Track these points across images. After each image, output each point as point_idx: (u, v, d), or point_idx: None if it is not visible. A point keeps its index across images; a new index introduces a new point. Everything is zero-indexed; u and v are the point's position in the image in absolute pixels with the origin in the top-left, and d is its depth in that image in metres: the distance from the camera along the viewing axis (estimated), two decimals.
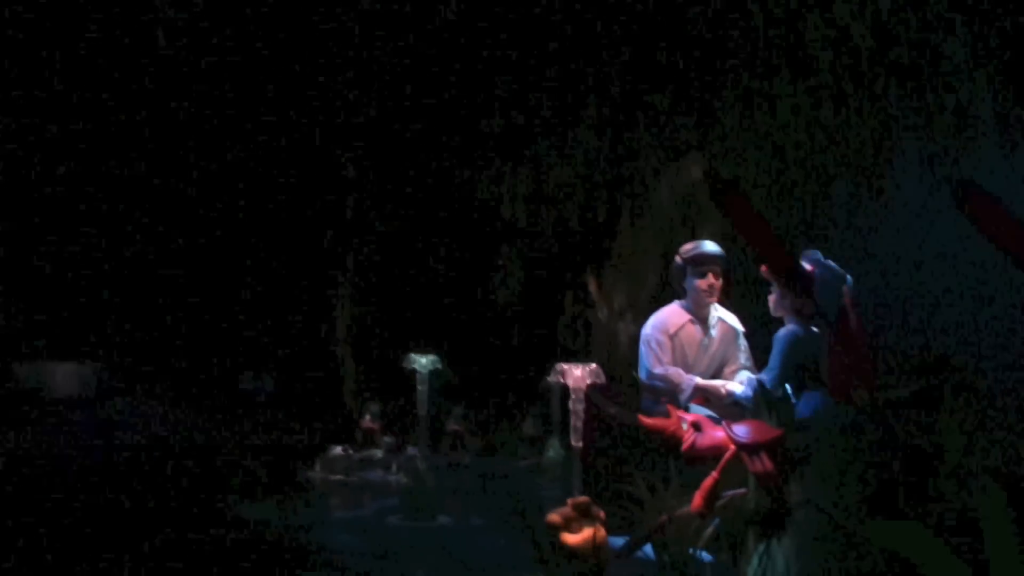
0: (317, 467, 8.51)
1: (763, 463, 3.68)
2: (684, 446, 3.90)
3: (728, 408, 6.63)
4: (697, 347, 6.86)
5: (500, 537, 6.54)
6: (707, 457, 3.94)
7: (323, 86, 10.34)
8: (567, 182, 9.35)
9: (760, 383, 6.26)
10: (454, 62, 9.80)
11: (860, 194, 8.31)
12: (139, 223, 11.57)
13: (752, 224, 4.15)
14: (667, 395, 6.74)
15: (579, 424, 5.50)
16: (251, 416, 10.20)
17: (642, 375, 6.87)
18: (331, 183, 10.50)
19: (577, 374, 5.53)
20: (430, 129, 10.13)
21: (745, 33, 7.96)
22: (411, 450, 8.26)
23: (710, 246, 6.78)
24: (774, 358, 6.21)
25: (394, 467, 8.37)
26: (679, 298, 6.97)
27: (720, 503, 3.99)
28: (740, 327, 6.89)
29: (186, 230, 11.18)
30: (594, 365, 5.58)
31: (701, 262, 6.76)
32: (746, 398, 6.37)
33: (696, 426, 3.88)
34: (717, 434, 3.87)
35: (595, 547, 5.18)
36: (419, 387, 7.04)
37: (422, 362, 7.07)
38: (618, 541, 5.51)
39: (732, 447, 3.79)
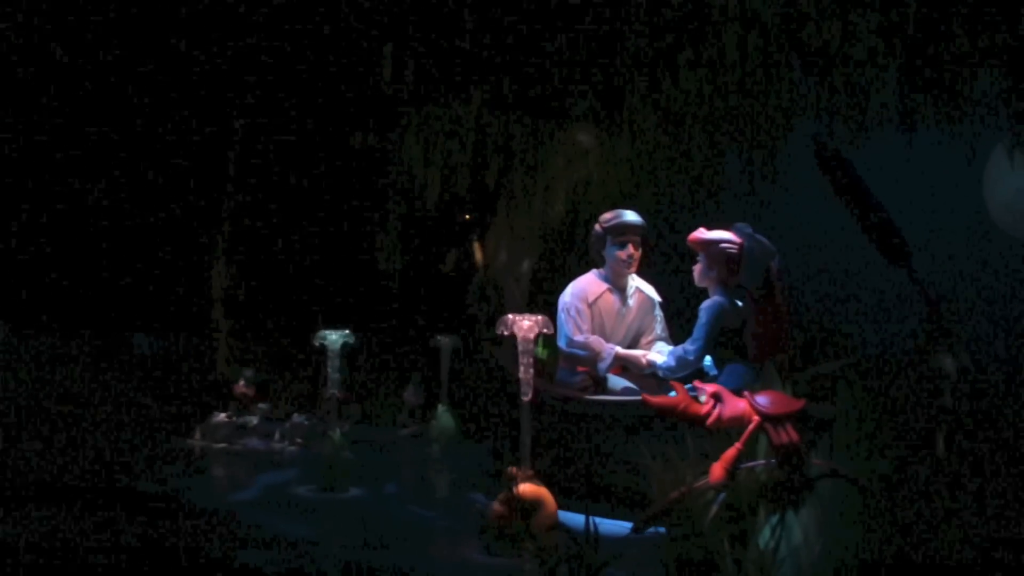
0: (197, 434, 8.02)
1: (788, 434, 3.68)
2: (710, 419, 3.85)
3: (645, 378, 6.69)
4: (615, 316, 6.86)
5: (422, 508, 6.35)
6: (727, 428, 3.90)
7: (198, 43, 9.68)
8: (458, 148, 9.13)
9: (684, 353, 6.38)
10: (344, 18, 9.38)
11: (754, 171, 8.50)
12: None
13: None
14: (587, 363, 6.72)
15: (528, 377, 5.38)
16: (133, 378, 9.50)
17: (561, 343, 6.81)
18: (215, 140, 9.92)
19: (525, 324, 5.40)
20: (318, 89, 9.69)
21: (650, 1, 7.95)
22: (296, 418, 7.92)
23: (631, 216, 6.76)
24: (699, 329, 6.26)
25: (277, 435, 8.00)
26: (596, 267, 6.95)
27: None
28: (657, 297, 6.93)
29: (74, 181, 10.21)
30: (541, 316, 5.47)
31: (622, 232, 6.74)
32: (667, 368, 6.41)
33: (717, 397, 3.84)
34: (740, 405, 3.84)
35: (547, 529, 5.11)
36: (330, 363, 6.74)
37: (332, 337, 6.76)
38: (572, 517, 5.48)
39: (756, 418, 3.78)
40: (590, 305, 6.80)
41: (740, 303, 6.28)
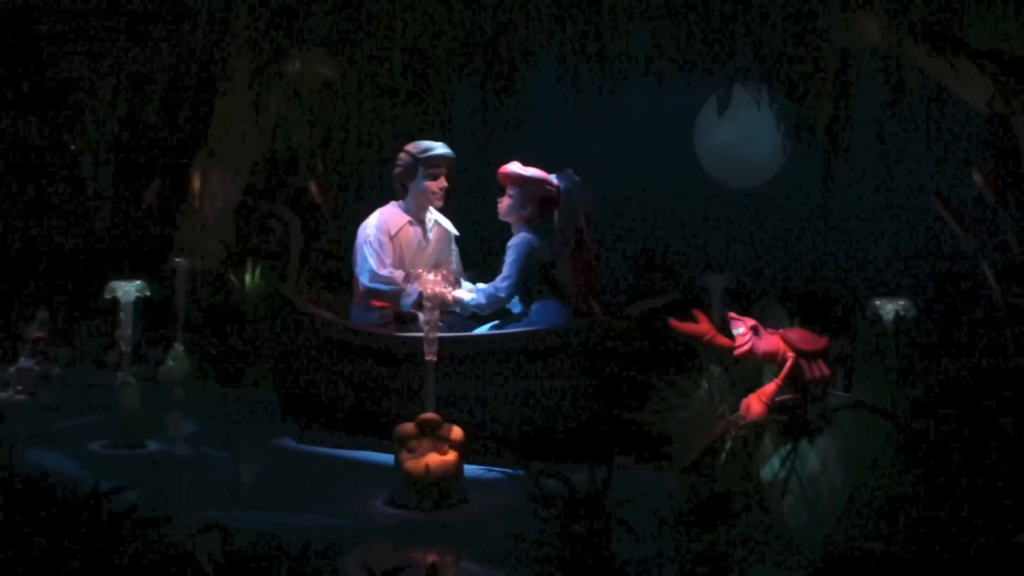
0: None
1: (820, 369, 3.81)
2: (742, 350, 3.85)
3: (449, 315, 6.53)
4: (415, 249, 6.60)
5: (254, 462, 5.78)
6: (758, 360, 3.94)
7: None
8: (161, 77, 8.20)
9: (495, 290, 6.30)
10: None
11: (490, 98, 8.52)
12: None
13: None
14: (390, 299, 6.42)
15: (432, 335, 5.01)
16: None
17: (363, 279, 6.44)
18: None
19: (430, 279, 5.02)
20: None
21: None
22: (24, 362, 6.72)
23: (444, 147, 6.53)
24: (510, 266, 6.21)
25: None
26: (396, 197, 6.63)
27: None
28: (455, 231, 6.77)
29: None
30: (445, 271, 5.12)
31: (436, 163, 6.48)
32: (477, 305, 6.31)
33: (755, 330, 3.85)
34: (774, 340, 3.89)
35: (442, 474, 4.88)
36: (122, 317, 5.83)
37: (125, 288, 5.85)
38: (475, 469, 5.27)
39: (791, 354, 3.85)
40: (392, 238, 6.50)
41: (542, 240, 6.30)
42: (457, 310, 6.50)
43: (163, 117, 8.25)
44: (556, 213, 6.27)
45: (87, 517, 3.43)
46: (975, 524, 3.49)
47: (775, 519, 3.77)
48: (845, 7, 6.22)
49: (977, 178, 5.99)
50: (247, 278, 7.98)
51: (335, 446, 6.14)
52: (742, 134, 8.63)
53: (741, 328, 3.86)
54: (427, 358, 4.90)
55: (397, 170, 6.57)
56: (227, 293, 7.97)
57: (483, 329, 6.33)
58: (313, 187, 8.24)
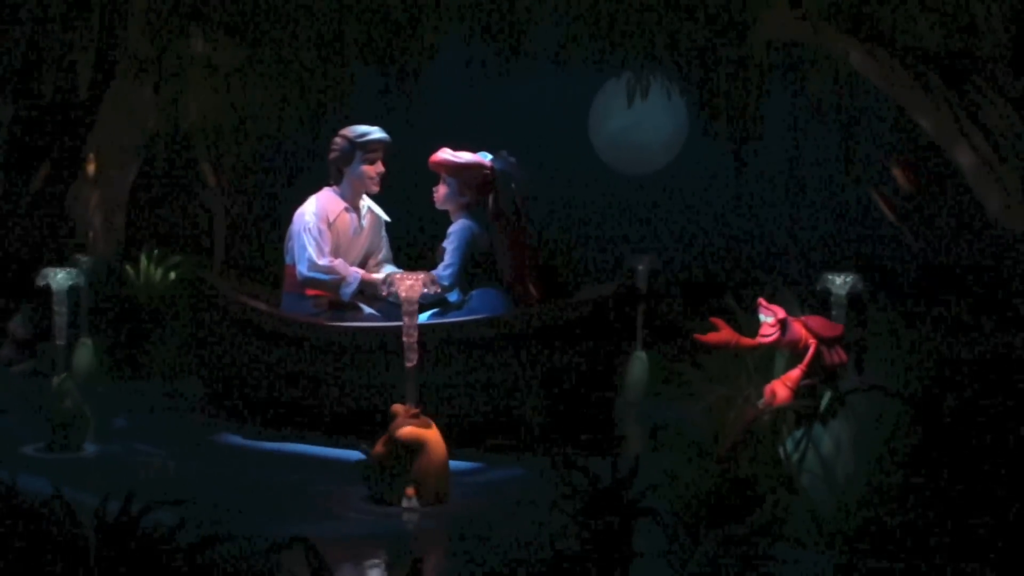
0: None
1: (839, 355, 3.96)
2: (769, 340, 3.96)
3: (384, 303, 6.42)
4: (350, 237, 6.46)
5: (206, 465, 5.50)
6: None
7: None
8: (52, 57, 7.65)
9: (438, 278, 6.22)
10: None
11: (391, 80, 8.39)
12: None
13: None
14: (329, 288, 6.24)
15: (412, 341, 4.86)
16: None
17: (301, 267, 6.25)
18: None
19: (409, 283, 4.85)
20: None
21: None
22: None
23: (380, 131, 6.39)
24: (452, 253, 6.16)
25: None
26: (332, 183, 6.44)
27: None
28: (386, 217, 6.64)
29: None
30: (424, 273, 4.96)
31: (373, 148, 6.34)
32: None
33: (784, 323, 3.96)
34: (797, 329, 4.01)
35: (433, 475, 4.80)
36: (56, 308, 5.40)
37: (59, 277, 5.41)
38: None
39: (813, 341, 3.97)
40: (330, 225, 6.33)
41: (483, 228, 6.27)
42: (390, 299, 6.40)
43: (56, 99, 7.72)
44: (492, 197, 6.24)
45: (125, 545, 3.13)
46: (989, 500, 3.72)
47: (803, 500, 3.91)
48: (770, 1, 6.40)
49: (895, 170, 6.33)
50: (145, 266, 7.59)
51: (280, 440, 5.95)
52: (636, 121, 8.82)
53: (770, 317, 3.98)
54: (408, 364, 4.77)
55: (333, 155, 6.40)
56: (120, 283, 7.55)
57: (422, 318, 6.26)
58: (206, 170, 7.93)
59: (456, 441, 4.92)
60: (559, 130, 8.80)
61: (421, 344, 4.85)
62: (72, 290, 5.84)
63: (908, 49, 5.99)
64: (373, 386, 5.91)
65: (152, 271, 7.50)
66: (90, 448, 5.44)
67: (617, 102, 8.42)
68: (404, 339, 4.79)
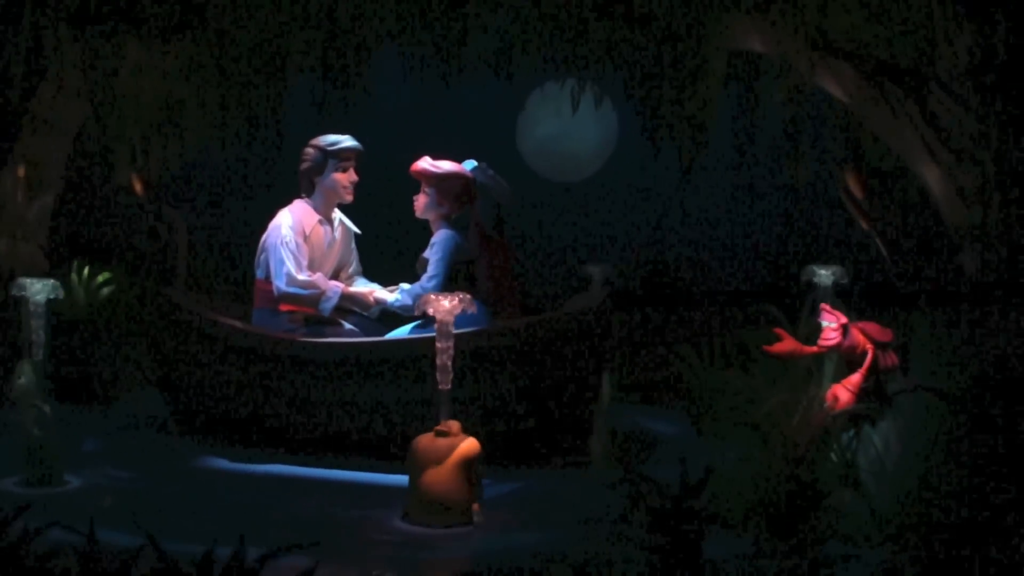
0: None
1: (892, 358, 4.10)
2: (830, 343, 4.08)
3: (361, 317, 6.27)
4: (324, 250, 6.29)
5: (178, 489, 5.21)
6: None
7: None
8: None
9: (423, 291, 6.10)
10: None
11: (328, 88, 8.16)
12: None
13: None
14: (309, 304, 6.03)
15: (447, 363, 4.75)
16: None
17: (279, 283, 6.03)
18: None
19: (445, 306, 4.72)
20: None
21: None
22: None
23: (351, 140, 6.24)
24: (436, 264, 6.09)
25: None
26: (304, 194, 6.23)
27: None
28: (356, 229, 6.48)
29: None
30: (462, 295, 4.83)
31: (346, 156, 6.20)
32: (404, 307, 6.14)
33: (846, 328, 4.06)
34: (856, 335, 4.12)
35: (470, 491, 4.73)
36: (33, 322, 5.01)
37: (36, 287, 5.01)
38: None
39: (870, 346, 4.09)
40: (306, 238, 6.13)
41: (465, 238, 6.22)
42: (365, 313, 6.26)
43: None
44: (471, 207, 6.20)
45: None
46: None
47: (865, 498, 4.05)
48: (727, 8, 6.51)
49: (847, 175, 6.58)
50: (77, 282, 7.15)
51: (268, 462, 5.71)
52: (564, 129, 8.88)
53: (833, 323, 4.10)
54: (441, 387, 4.69)
55: (304, 165, 6.21)
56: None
57: (404, 331, 6.14)
58: (134, 179, 7.54)
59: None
60: (498, 139, 8.74)
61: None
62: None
63: (869, 60, 6.21)
64: (369, 404, 5.78)
65: (82, 287, 7.08)
66: (71, 481, 5.09)
67: (544, 110, 8.47)
68: (438, 361, 4.70)
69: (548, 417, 5.80)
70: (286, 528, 4.44)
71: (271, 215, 6.19)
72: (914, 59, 5.99)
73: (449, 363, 4.70)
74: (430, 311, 4.72)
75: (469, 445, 4.65)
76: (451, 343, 4.71)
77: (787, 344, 4.19)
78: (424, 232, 6.38)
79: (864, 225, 6.12)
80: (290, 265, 5.98)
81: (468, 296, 4.77)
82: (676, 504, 3.91)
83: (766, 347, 4.22)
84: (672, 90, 7.37)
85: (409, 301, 6.09)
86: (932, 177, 6.03)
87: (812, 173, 7.65)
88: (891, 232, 6.19)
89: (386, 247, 7.04)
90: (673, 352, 6.56)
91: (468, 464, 4.65)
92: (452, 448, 4.62)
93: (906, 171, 6.25)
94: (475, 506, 4.60)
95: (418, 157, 6.24)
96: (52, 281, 5.25)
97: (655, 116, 7.67)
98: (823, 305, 4.21)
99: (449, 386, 4.72)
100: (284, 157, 7.41)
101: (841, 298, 5.89)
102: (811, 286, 6.05)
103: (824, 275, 6.00)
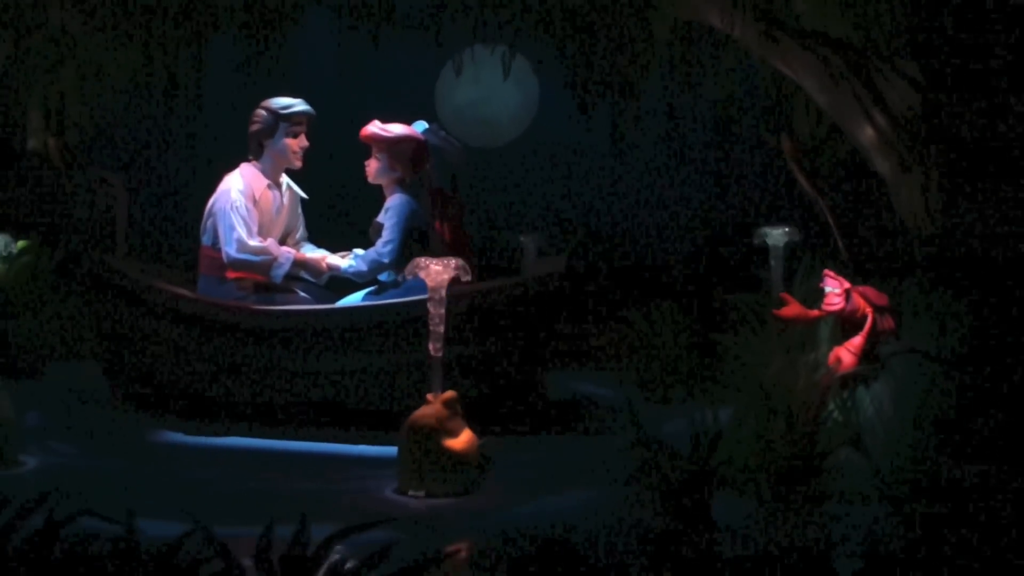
0: None
1: (889, 321, 4.20)
2: (833, 308, 4.14)
3: (312, 285, 6.08)
4: (272, 215, 6.07)
5: (140, 467, 4.94)
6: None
7: None
8: None
9: (378, 256, 5.95)
10: None
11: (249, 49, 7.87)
12: None
13: None
14: (260, 271, 5.80)
15: (439, 329, 4.63)
16: None
17: (229, 248, 5.78)
18: None
19: (436, 269, 4.58)
20: None
21: None
22: None
23: (304, 103, 6.01)
24: (391, 229, 5.95)
25: None
26: (252, 157, 5.97)
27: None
28: (303, 194, 6.26)
29: None
30: (456, 260, 4.69)
31: (297, 120, 5.98)
32: (358, 273, 5.99)
33: (848, 293, 4.13)
34: (856, 299, 4.19)
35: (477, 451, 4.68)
36: None
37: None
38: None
39: (869, 309, 4.17)
40: (255, 203, 5.89)
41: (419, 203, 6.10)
42: (316, 280, 6.07)
43: None
44: (425, 171, 6.08)
45: None
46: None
47: (865, 456, 4.17)
48: None
49: (785, 144, 6.72)
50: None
51: (224, 435, 5.50)
52: (482, 95, 8.80)
53: (837, 288, 4.19)
54: (434, 354, 4.59)
55: (254, 127, 5.96)
56: None
57: (357, 297, 5.99)
58: (50, 143, 7.13)
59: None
60: (424, 105, 8.57)
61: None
62: None
63: (812, 34, 6.34)
64: (323, 372, 5.64)
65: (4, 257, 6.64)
66: (28, 461, 4.77)
67: (464, 75, 8.35)
68: (430, 328, 4.60)
69: (500, 383, 5.76)
70: (282, 504, 4.24)
71: (195, 181, 5.93)
72: (855, 35, 6.14)
73: (441, 329, 4.60)
74: (422, 276, 4.60)
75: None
76: (443, 309, 4.60)
77: (793, 308, 4.27)
78: (360, 196, 6.23)
79: (809, 189, 6.25)
80: (241, 231, 5.75)
81: (461, 262, 4.67)
82: (693, 468, 3.96)
83: (774, 311, 4.29)
84: (609, 52, 7.39)
85: (364, 267, 5.95)
86: (871, 144, 6.19)
87: (745, 144, 7.87)
88: (836, 200, 6.35)
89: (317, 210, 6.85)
90: (621, 318, 6.63)
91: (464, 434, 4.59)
92: (449, 417, 4.55)
93: (839, 137, 6.44)
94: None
95: (367, 122, 6.07)
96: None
97: (588, 78, 7.70)
98: (826, 271, 4.30)
99: (442, 353, 4.62)
100: (207, 122, 7.15)
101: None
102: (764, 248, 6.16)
103: (776, 235, 6.13)
